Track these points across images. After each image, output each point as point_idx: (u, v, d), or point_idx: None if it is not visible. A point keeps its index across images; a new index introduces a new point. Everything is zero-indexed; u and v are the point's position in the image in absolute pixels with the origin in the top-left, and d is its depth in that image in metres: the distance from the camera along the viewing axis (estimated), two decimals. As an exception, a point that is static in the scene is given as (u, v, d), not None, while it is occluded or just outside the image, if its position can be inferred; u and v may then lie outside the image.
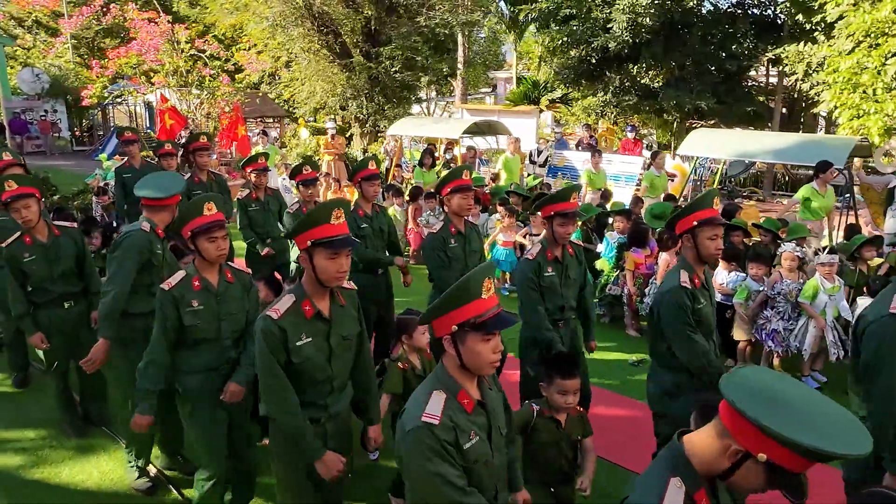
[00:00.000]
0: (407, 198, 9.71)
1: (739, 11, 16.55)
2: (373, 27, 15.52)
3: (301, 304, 2.60)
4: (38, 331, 4.19)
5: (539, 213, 3.97)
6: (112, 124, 28.68)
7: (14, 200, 3.95)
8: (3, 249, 4.15)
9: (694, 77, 16.36)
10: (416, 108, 19.20)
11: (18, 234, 4.15)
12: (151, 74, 12.44)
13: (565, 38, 16.73)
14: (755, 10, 16.60)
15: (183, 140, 10.49)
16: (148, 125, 28.51)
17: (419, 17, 14.71)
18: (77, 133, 25.95)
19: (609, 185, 11.72)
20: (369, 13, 14.83)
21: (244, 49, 14.94)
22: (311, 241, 2.50)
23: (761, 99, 17.26)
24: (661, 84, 16.69)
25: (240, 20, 14.96)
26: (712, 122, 16.68)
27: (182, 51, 12.03)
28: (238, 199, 6.42)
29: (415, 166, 11.69)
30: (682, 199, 10.32)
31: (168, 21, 12.41)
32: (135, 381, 3.16)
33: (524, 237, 7.83)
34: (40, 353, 4.40)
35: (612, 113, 17.38)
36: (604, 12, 15.81)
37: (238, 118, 12.13)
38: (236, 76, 13.40)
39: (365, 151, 15.83)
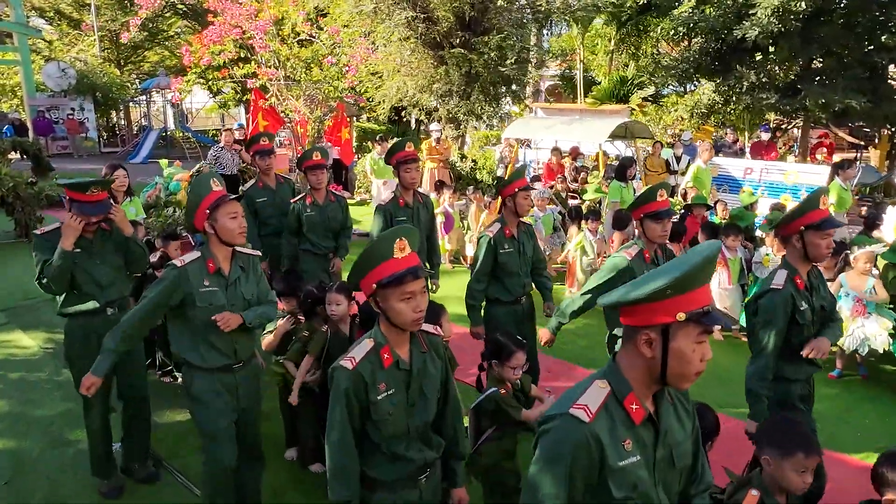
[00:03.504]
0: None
1: (889, -4, 14.43)
2: (469, 15, 13.24)
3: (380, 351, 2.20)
4: None
5: None
6: (143, 123, 26.45)
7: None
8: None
9: (834, 72, 14.25)
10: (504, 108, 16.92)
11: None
12: (241, 66, 10.21)
13: (687, 27, 14.57)
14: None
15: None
16: (173, 125, 26.28)
17: (539, 2, 12.42)
18: (102, 133, 23.70)
19: (786, 198, 10.15)
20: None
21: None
22: (375, 283, 2.07)
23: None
24: (791, 79, 14.58)
25: (323, 2, 12.62)
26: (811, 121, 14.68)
27: (290, 35, 9.76)
28: (379, 205, 5.17)
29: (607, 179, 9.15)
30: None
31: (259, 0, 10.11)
32: None
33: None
34: None
35: (736, 111, 15.26)
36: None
37: (343, 119, 9.92)
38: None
39: (463, 157, 13.64)
